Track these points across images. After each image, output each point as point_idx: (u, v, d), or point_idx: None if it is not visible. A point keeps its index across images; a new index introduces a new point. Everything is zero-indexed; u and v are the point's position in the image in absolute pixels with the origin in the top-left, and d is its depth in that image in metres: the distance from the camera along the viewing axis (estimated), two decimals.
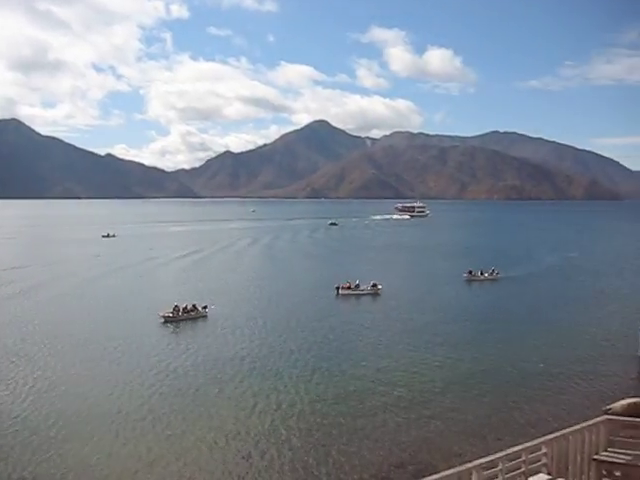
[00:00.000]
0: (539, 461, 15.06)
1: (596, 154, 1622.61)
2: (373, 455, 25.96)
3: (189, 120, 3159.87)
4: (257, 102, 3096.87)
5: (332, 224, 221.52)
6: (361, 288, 68.86)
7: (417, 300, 65.12)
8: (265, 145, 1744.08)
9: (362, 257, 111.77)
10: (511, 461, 14.37)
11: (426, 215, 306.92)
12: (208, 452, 26.49)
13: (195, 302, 56.96)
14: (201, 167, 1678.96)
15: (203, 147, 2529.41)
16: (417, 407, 31.75)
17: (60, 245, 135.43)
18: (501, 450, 14.55)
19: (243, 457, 25.97)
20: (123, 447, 26.99)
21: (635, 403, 31.13)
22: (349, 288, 68.64)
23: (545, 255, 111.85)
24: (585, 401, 32.66)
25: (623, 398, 31.70)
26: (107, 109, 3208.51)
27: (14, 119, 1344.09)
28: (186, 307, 55.55)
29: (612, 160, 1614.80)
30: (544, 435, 15.61)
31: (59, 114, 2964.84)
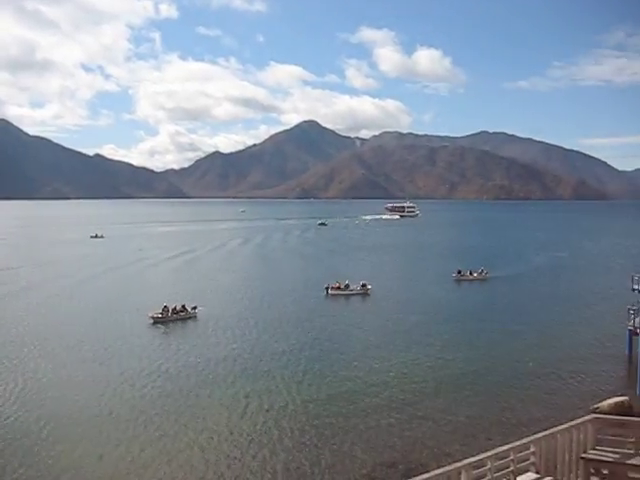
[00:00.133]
0: (527, 460, 15.21)
1: (584, 154, 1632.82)
2: (364, 455, 26.09)
3: (178, 120, 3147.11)
4: (246, 102, 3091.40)
5: (321, 224, 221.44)
6: (351, 288, 68.95)
7: (406, 300, 65.30)
8: (254, 145, 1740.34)
9: (352, 257, 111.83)
10: (500, 460, 14.49)
11: (416, 215, 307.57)
12: (200, 453, 26.51)
13: (185, 303, 56.89)
14: (190, 167, 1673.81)
15: (192, 147, 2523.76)
16: (408, 408, 31.89)
17: (48, 246, 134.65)
18: (490, 449, 14.67)
19: (235, 458, 26.00)
20: (115, 449, 26.96)
21: (622, 402, 31.50)
22: (339, 288, 68.72)
23: (534, 255, 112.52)
24: (574, 400, 32.96)
25: (610, 397, 32.13)
26: (96, 109, 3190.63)
27: (2, 119, 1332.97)
28: (175, 308, 55.44)
29: (600, 160, 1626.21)
30: (533, 434, 15.75)
31: (47, 114, 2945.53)
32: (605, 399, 31.41)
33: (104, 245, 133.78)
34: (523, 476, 14.89)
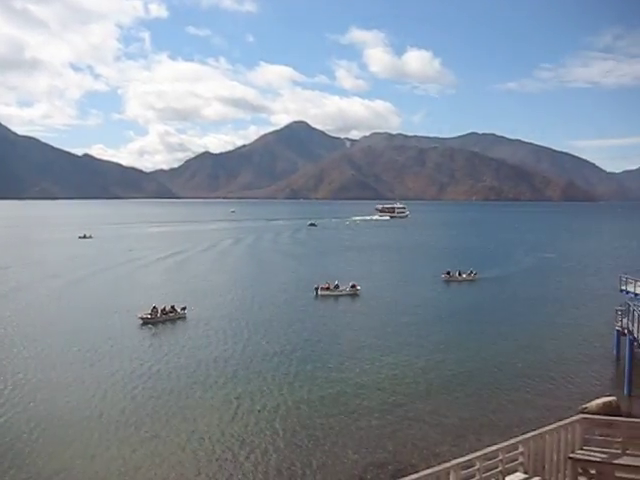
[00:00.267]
0: (516, 460, 15.32)
1: (573, 156, 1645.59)
2: (356, 456, 26.19)
3: (167, 120, 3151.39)
4: (236, 102, 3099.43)
5: (311, 225, 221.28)
6: (340, 289, 68.99)
7: (395, 301, 65.38)
8: (244, 146, 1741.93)
9: (342, 258, 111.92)
10: (488, 460, 14.59)
11: (406, 216, 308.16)
12: (192, 455, 26.49)
13: (174, 303, 56.73)
14: (180, 167, 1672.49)
15: (182, 147, 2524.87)
16: (398, 409, 31.99)
17: (36, 246, 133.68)
18: (478, 450, 14.73)
19: (227, 460, 26.00)
20: (106, 451, 26.88)
21: (610, 402, 31.74)
22: (328, 289, 68.72)
23: (523, 256, 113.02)
24: (562, 401, 33.16)
25: (598, 397, 32.35)
26: (85, 109, 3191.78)
27: None
28: (164, 308, 55.25)
29: (588, 162, 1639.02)
30: (521, 434, 15.84)
31: (36, 113, 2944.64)
32: (593, 399, 31.70)
33: (93, 246, 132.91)
34: (512, 476, 15.00)
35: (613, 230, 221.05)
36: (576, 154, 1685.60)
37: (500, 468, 14.75)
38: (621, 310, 40.18)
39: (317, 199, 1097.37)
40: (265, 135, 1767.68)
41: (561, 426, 16.25)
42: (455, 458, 14.12)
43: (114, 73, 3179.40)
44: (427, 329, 51.61)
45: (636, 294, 42.55)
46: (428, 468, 13.66)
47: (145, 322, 53.24)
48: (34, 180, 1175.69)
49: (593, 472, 16.21)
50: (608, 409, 29.66)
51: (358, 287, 69.57)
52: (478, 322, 54.99)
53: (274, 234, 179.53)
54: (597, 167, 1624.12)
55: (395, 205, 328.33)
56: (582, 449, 16.35)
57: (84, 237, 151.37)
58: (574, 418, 16.72)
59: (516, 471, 15.23)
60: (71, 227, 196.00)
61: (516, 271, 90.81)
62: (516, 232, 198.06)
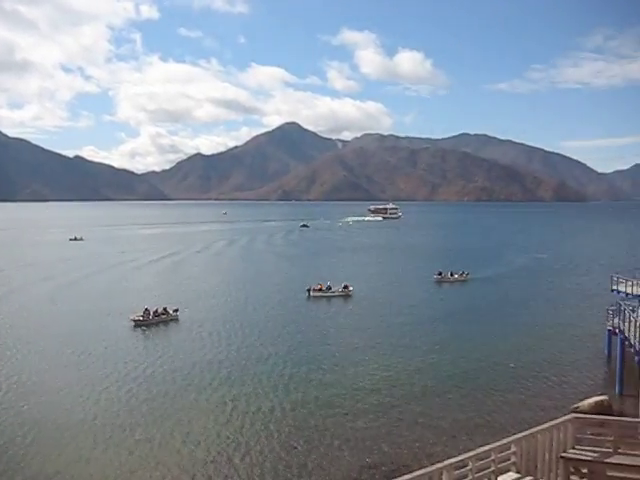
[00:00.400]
0: (508, 460, 15.42)
1: (564, 156, 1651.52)
2: (350, 457, 26.29)
3: (159, 122, 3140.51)
4: (228, 104, 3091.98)
5: (304, 226, 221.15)
6: (332, 290, 69.04)
7: (387, 302, 65.47)
8: (236, 147, 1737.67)
9: (334, 259, 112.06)
10: (481, 460, 14.68)
11: (398, 217, 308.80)
12: (187, 457, 26.51)
13: (166, 305, 56.64)
14: (171, 169, 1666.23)
15: (173, 149, 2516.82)
16: (392, 410, 32.10)
17: (27, 248, 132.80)
18: (471, 450, 14.83)
19: (222, 462, 26.02)
20: (101, 454, 26.85)
21: (602, 401, 31.95)
22: (320, 290, 68.75)
23: (515, 256, 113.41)
24: (555, 400, 33.37)
25: (590, 397, 32.55)
26: (76, 110, 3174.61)
27: None
28: (157, 310, 55.17)
29: (579, 162, 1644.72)
30: (514, 434, 15.94)
31: (27, 115, 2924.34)
32: (585, 399, 31.89)
33: (84, 248, 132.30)
34: (504, 476, 15.10)
35: (604, 230, 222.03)
36: (567, 154, 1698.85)
37: (493, 468, 14.85)
38: (612, 310, 40.41)
39: (309, 200, 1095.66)
40: (257, 136, 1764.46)
41: (553, 426, 16.37)
42: (448, 458, 14.22)
43: (105, 74, 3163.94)
44: (419, 330, 51.76)
45: (627, 294, 42.74)
46: (421, 469, 13.75)
47: (137, 324, 53.11)
48: (25, 182, 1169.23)
49: (585, 471, 16.33)
50: (600, 408, 29.86)
51: (350, 288, 69.65)
52: (470, 322, 55.19)
53: (266, 235, 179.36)
54: (588, 167, 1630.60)
55: (387, 206, 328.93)
56: (574, 448, 16.47)
57: (75, 239, 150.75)
58: (566, 417, 16.83)
59: (509, 471, 15.33)
60: (62, 229, 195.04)
61: (508, 271, 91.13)
62: (508, 232, 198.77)
